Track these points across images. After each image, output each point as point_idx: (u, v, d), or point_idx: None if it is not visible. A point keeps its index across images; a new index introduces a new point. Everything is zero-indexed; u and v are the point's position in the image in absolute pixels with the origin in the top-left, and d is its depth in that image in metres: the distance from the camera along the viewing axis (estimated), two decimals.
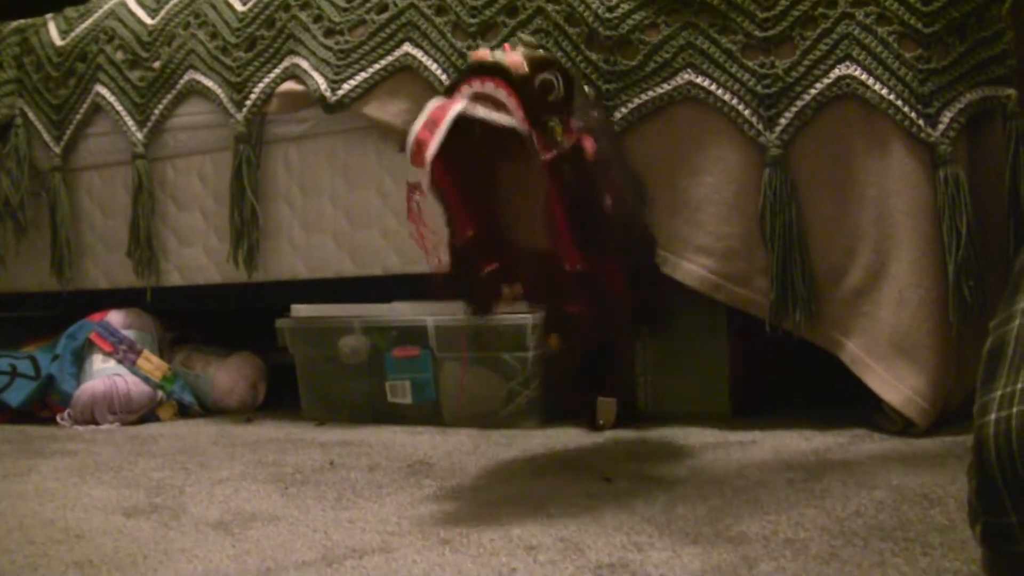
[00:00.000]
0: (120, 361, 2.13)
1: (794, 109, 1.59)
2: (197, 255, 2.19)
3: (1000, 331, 0.80)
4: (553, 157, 1.21)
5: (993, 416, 0.74)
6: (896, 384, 1.52)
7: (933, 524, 1.02)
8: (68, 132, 2.30)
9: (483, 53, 1.25)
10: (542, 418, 1.80)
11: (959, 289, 1.50)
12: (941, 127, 1.52)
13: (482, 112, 1.19)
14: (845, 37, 1.57)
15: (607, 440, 1.62)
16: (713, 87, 1.64)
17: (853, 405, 1.66)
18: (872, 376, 1.55)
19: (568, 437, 1.67)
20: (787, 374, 2.10)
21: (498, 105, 1.21)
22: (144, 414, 2.10)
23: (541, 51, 1.30)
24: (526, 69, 1.20)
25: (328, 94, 1.93)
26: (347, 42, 1.94)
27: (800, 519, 1.08)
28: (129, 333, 2.19)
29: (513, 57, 1.21)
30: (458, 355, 1.84)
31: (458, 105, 1.20)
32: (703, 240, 1.66)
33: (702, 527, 1.07)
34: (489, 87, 1.20)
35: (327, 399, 2.00)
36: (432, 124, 1.18)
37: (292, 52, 2.01)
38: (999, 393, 0.75)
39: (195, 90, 2.14)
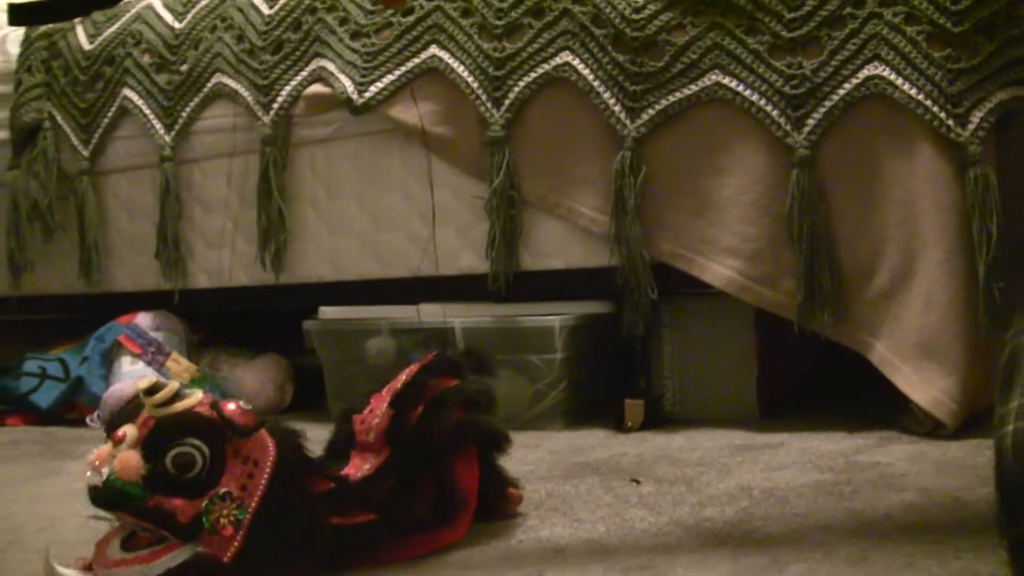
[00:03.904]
0: (149, 363, 2.14)
1: (822, 110, 1.59)
2: (223, 257, 2.20)
3: (1016, 342, 0.80)
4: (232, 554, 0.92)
5: (1011, 427, 0.74)
6: (925, 385, 1.51)
7: (964, 527, 1.02)
8: (96, 135, 2.31)
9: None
10: (569, 420, 1.80)
11: (989, 291, 1.49)
12: (971, 127, 1.51)
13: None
14: (873, 37, 1.56)
15: (634, 442, 1.62)
16: (740, 88, 1.64)
17: (882, 406, 1.65)
18: (901, 377, 1.54)
19: (595, 439, 1.66)
20: (814, 375, 2.09)
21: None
22: None
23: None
24: (140, 471, 0.90)
25: (355, 96, 1.93)
26: (373, 44, 1.95)
27: (829, 521, 1.07)
28: (157, 335, 2.20)
29: (125, 460, 0.90)
30: None
31: None
32: (730, 241, 1.66)
33: (730, 529, 1.07)
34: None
35: (354, 401, 2.00)
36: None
37: (319, 55, 2.02)
38: (1015, 403, 0.75)
39: (222, 93, 2.15)
